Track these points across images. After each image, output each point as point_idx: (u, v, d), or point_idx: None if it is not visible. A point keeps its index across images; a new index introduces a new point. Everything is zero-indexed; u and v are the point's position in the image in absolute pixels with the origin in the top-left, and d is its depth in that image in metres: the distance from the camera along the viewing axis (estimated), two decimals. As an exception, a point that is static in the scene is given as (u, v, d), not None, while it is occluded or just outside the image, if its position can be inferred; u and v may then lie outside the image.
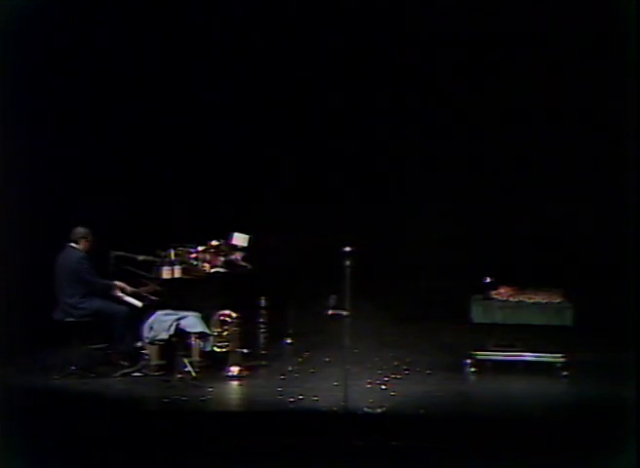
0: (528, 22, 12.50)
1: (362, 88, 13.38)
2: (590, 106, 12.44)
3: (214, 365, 9.88)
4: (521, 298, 9.90)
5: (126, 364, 9.87)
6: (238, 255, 10.46)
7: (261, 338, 10.33)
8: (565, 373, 9.59)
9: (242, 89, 13.45)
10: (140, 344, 9.85)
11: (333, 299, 12.49)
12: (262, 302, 10.34)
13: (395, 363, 10.26)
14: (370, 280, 12.46)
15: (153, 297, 10.06)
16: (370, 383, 9.43)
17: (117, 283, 10.09)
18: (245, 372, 9.86)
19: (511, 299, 9.90)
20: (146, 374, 9.74)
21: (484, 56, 12.91)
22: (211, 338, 9.91)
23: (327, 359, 10.38)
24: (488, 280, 10.00)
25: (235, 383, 9.67)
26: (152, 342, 9.74)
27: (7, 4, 10.21)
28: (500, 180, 13.18)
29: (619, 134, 11.11)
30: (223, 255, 10.30)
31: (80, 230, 10.12)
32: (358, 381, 9.27)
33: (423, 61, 13.12)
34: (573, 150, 12.83)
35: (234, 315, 9.97)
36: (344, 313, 12.28)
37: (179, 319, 9.72)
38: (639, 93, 9.84)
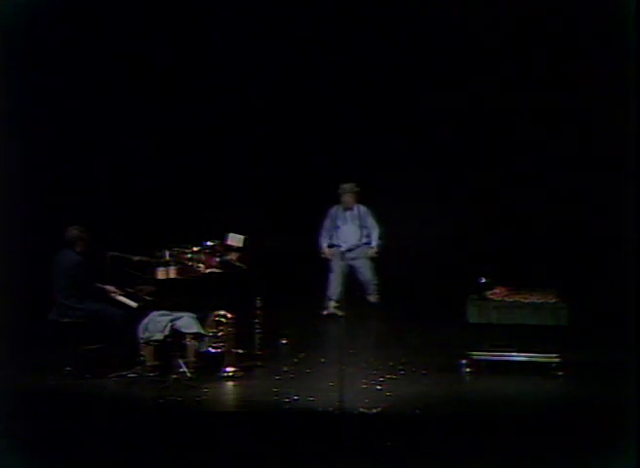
0: (527, 22, 12.53)
1: (358, 86, 13.39)
2: (590, 106, 12.47)
3: (209, 365, 9.86)
4: (516, 298, 9.90)
5: (122, 369, 9.84)
6: (233, 256, 10.44)
7: (257, 339, 10.31)
8: (560, 373, 9.59)
9: (240, 89, 13.46)
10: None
11: (329, 299, 12.54)
12: (258, 303, 10.32)
13: (390, 363, 10.25)
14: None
15: (148, 298, 10.05)
16: (365, 383, 9.42)
17: (108, 288, 10.10)
18: (240, 373, 9.84)
19: (507, 299, 9.89)
20: (141, 375, 9.72)
21: (484, 55, 12.92)
22: (206, 339, 9.90)
23: (322, 359, 10.37)
24: (483, 280, 10.00)
25: (230, 384, 9.65)
26: (147, 343, 9.72)
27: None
28: (497, 180, 13.19)
29: (618, 133, 11.11)
30: (219, 256, 10.28)
31: (73, 231, 10.09)
32: (354, 381, 9.26)
33: (419, 59, 13.15)
34: (571, 150, 12.85)
35: (229, 315, 9.95)
36: (340, 313, 12.32)
37: (174, 319, 9.70)
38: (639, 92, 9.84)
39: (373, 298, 12.77)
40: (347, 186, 12.63)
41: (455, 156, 13.46)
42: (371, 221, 12.73)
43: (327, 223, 12.77)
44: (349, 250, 12.67)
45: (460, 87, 13.17)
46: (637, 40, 9.50)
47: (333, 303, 12.51)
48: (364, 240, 12.72)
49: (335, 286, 12.52)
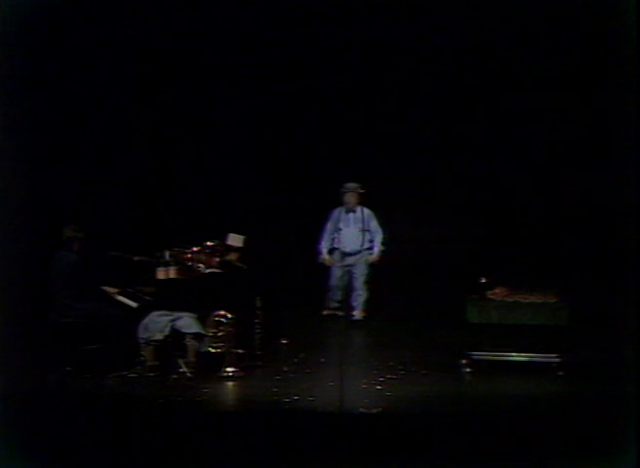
0: (526, 22, 12.54)
1: (358, 86, 13.40)
2: (589, 106, 12.48)
3: (209, 365, 9.87)
4: (516, 299, 9.90)
5: (122, 369, 9.83)
6: (233, 256, 10.45)
7: (257, 339, 10.31)
8: (560, 373, 9.59)
9: (239, 90, 13.47)
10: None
11: (329, 300, 12.53)
12: (258, 303, 10.32)
13: (390, 363, 10.25)
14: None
15: (148, 298, 10.05)
16: (365, 383, 9.42)
17: (107, 289, 10.11)
18: (240, 373, 9.84)
19: (507, 299, 9.89)
20: (141, 375, 9.72)
21: (483, 55, 12.93)
22: (206, 339, 9.91)
23: (322, 359, 10.37)
24: (483, 280, 10.00)
25: (230, 384, 9.65)
26: (147, 343, 9.73)
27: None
28: (496, 180, 13.20)
29: (618, 133, 11.11)
30: (219, 256, 10.29)
31: (69, 231, 10.10)
32: (354, 381, 9.26)
33: (421, 59, 13.17)
34: (570, 150, 12.85)
35: (229, 315, 9.95)
36: (340, 313, 12.33)
37: (174, 319, 9.72)
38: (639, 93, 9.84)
39: (357, 314, 12.23)
40: (351, 185, 12.21)
41: (455, 156, 13.46)
42: (374, 225, 12.22)
43: (329, 226, 12.30)
44: (350, 254, 12.30)
45: (462, 86, 13.17)
46: (637, 40, 9.51)
47: (333, 303, 12.46)
48: (366, 245, 12.23)
49: (335, 291, 12.38)
